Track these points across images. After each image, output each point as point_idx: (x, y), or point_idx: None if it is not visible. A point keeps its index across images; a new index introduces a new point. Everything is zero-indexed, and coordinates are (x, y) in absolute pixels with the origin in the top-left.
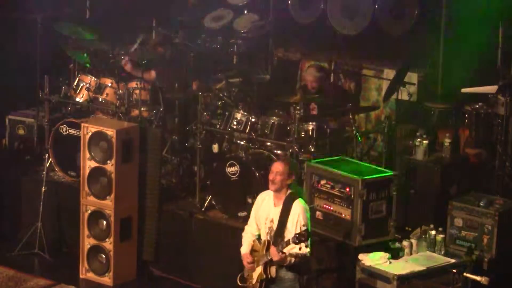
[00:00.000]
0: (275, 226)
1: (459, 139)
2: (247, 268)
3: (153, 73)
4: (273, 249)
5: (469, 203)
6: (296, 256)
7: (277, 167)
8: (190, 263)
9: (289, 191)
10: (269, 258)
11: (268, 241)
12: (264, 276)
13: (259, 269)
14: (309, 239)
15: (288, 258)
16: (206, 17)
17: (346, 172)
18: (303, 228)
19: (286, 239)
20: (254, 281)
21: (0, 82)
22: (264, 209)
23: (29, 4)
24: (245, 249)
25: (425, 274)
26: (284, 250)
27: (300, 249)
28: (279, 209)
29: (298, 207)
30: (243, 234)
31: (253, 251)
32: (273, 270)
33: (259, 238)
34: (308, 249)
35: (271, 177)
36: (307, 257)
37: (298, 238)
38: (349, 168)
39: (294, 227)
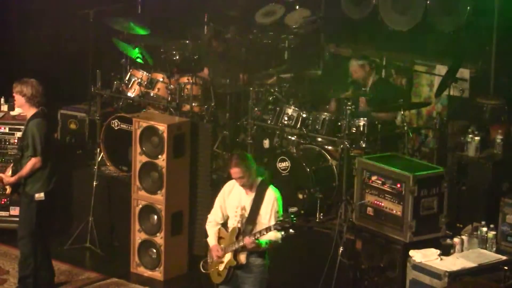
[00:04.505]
0: (247, 214)
1: (511, 135)
2: (215, 261)
3: (206, 70)
4: (247, 239)
5: None
6: (270, 243)
7: (235, 173)
8: None
9: (259, 179)
10: (240, 245)
11: (239, 229)
12: (235, 263)
13: (228, 256)
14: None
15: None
16: (258, 12)
17: (397, 168)
18: (277, 215)
19: (264, 226)
20: (222, 268)
21: (53, 76)
22: (234, 197)
23: None
24: (213, 241)
25: (476, 271)
26: (263, 238)
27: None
28: (251, 197)
29: (272, 195)
30: (207, 224)
31: (219, 238)
32: (243, 257)
33: (223, 225)
34: (280, 235)
35: (237, 182)
36: (278, 243)
37: (281, 225)
38: (400, 164)
39: (269, 215)
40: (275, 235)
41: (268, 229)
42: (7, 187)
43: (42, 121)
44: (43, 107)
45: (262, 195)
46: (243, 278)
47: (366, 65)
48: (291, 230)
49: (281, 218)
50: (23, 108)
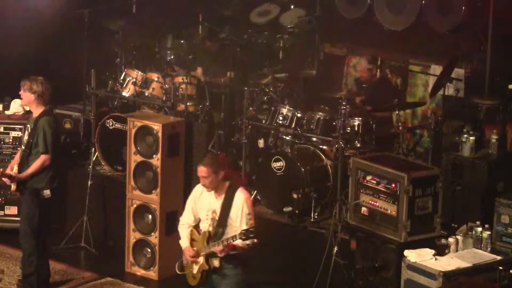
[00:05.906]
0: (217, 217)
1: (506, 135)
2: (190, 262)
3: (199, 70)
4: (217, 248)
5: None
6: (238, 248)
7: (201, 172)
8: None
9: (227, 183)
10: (211, 250)
11: (209, 232)
12: (207, 267)
13: (200, 260)
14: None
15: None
16: (253, 12)
17: (392, 168)
18: (249, 217)
19: (235, 229)
20: (196, 271)
21: (47, 76)
22: (205, 200)
23: None
24: (185, 242)
25: (471, 271)
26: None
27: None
28: (220, 201)
29: (241, 198)
30: (179, 226)
31: (192, 240)
32: (216, 261)
33: (196, 226)
34: (249, 241)
35: (200, 180)
36: (248, 248)
37: (246, 235)
38: (395, 164)
39: (240, 218)
40: (242, 242)
41: (234, 238)
42: (13, 184)
43: (52, 119)
44: (50, 105)
45: (231, 199)
46: (218, 281)
47: (374, 69)
48: (255, 240)
49: (245, 228)
50: (30, 106)
